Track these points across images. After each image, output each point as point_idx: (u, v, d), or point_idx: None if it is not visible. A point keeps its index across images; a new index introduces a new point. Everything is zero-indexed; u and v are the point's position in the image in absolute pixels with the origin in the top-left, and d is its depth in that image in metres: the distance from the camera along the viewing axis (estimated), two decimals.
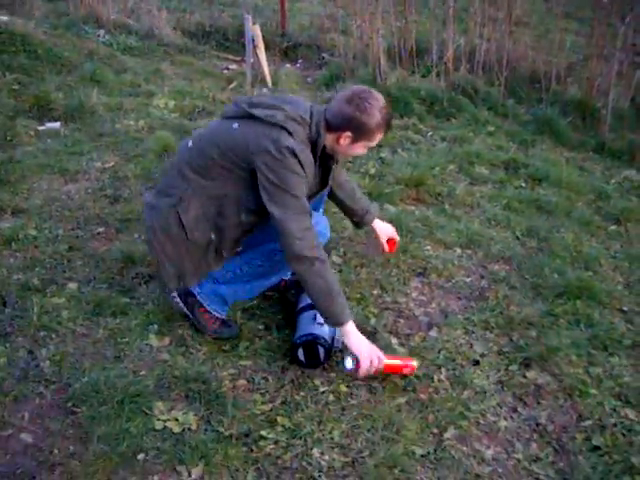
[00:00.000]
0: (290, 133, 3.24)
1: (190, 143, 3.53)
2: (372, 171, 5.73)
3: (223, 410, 3.11)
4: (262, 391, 3.27)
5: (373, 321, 3.82)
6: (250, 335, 3.66)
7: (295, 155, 3.18)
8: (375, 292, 4.11)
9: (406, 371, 3.40)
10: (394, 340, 3.68)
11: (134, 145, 5.95)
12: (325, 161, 3.53)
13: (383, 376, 3.36)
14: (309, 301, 3.60)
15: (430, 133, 6.89)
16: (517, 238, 4.95)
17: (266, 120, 3.27)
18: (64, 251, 4.31)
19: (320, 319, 3.42)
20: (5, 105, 6.47)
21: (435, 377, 3.43)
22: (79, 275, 4.06)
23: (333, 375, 3.40)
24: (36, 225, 4.59)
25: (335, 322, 3.23)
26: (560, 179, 5.97)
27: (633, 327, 4.01)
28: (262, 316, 3.83)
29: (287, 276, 3.92)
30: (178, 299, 3.61)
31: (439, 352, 3.62)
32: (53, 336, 3.52)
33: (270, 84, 7.82)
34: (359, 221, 4.08)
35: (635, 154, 6.85)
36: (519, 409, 3.30)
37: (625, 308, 4.21)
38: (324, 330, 3.42)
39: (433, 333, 3.80)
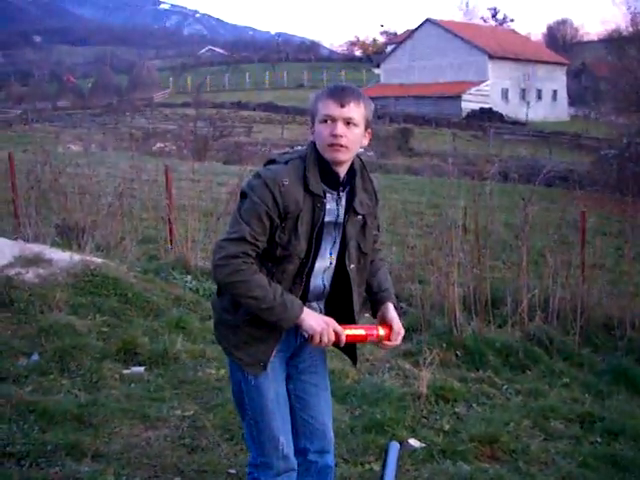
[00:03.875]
0: (274, 161, 3.25)
1: None
2: (446, 427, 5.71)
3: None
4: None
5: None
6: None
7: (259, 177, 3.15)
8: None
9: (371, 339, 3.40)
10: None
11: (214, 394, 6.03)
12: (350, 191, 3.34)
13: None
14: None
15: (505, 386, 6.85)
16: None
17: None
18: None
19: None
20: (94, 347, 6.66)
21: None
22: None
23: None
24: (114, 471, 4.67)
25: (288, 324, 3.21)
26: (637, 433, 5.89)
27: None
28: None
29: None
30: None
31: None
32: None
33: None
34: (374, 302, 3.64)
35: None
36: None
37: None
38: None
39: None
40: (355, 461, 5.07)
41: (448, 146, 37.01)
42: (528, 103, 61.65)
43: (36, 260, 8.23)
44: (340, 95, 3.21)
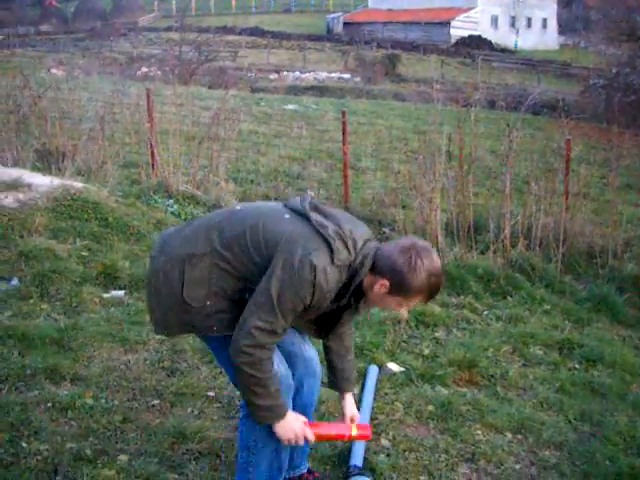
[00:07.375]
0: (331, 250, 3.10)
1: (238, 207, 3.54)
2: (426, 352, 5.73)
3: None
4: None
5: None
6: None
7: (314, 274, 3.06)
8: (422, 478, 4.10)
9: (341, 439, 3.50)
10: None
11: None
12: (357, 295, 3.35)
13: None
14: None
15: (486, 312, 6.87)
16: (569, 422, 4.91)
17: (315, 227, 3.17)
18: (118, 422, 4.40)
19: None
20: (74, 271, 6.63)
21: None
22: (131, 447, 4.15)
23: None
24: (93, 394, 4.69)
25: (263, 420, 3.26)
26: (615, 360, 5.93)
27: None
28: None
29: None
30: None
31: None
32: None
33: None
34: (334, 383, 3.73)
35: None
36: None
37: None
38: None
39: None
40: None
41: (436, 72, 36.67)
42: (517, 31, 60.98)
43: (15, 185, 8.15)
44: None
